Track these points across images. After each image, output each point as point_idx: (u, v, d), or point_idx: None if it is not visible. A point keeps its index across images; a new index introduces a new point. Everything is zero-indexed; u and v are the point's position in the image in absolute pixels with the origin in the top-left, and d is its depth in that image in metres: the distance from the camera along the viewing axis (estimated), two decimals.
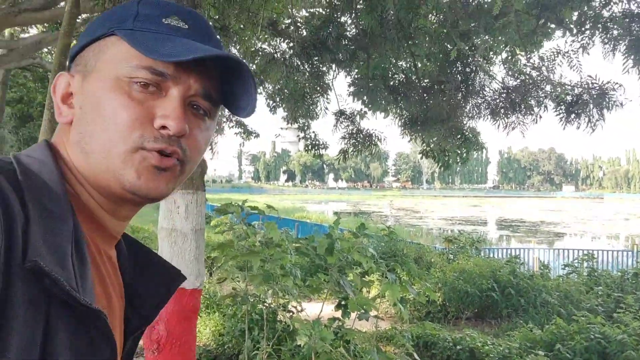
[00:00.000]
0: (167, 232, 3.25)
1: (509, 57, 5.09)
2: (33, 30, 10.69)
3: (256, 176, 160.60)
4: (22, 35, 10.11)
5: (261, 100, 8.35)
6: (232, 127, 12.31)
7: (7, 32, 9.68)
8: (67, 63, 0.81)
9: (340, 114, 6.11)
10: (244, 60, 0.89)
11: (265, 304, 5.98)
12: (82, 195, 0.75)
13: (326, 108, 6.81)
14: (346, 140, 6.04)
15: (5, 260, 0.55)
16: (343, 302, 5.25)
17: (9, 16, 7.01)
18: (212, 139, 0.86)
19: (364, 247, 5.89)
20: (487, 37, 4.89)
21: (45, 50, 9.68)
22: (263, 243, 5.70)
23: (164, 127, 0.72)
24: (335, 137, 6.42)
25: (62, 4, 7.12)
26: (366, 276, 7.38)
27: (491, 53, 5.29)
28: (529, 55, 4.69)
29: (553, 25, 4.60)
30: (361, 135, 5.94)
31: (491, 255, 14.19)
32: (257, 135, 12.60)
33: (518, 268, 10.27)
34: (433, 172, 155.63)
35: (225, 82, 0.80)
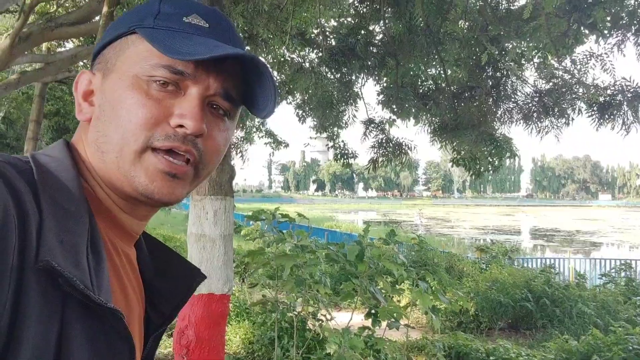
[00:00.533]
0: (196, 238, 3.29)
1: (541, 61, 4.99)
2: (69, 44, 11.02)
3: (286, 186, 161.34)
4: (58, 50, 10.42)
5: (290, 110, 8.38)
6: (262, 136, 12.43)
7: (44, 46, 9.99)
8: (91, 61, 0.82)
9: (369, 122, 6.08)
10: (269, 66, 0.89)
11: (295, 311, 5.98)
12: (100, 194, 0.74)
13: (354, 116, 6.79)
14: (375, 149, 5.99)
15: (18, 262, 0.55)
16: (373, 311, 5.21)
17: (45, 31, 7.25)
18: (233, 140, 0.86)
19: (395, 254, 5.85)
20: (517, 41, 4.81)
21: (81, 63, 9.95)
22: (295, 249, 5.72)
23: (180, 126, 0.71)
24: (364, 146, 6.39)
25: (97, 18, 7.32)
26: (397, 285, 7.33)
27: (522, 58, 5.20)
28: (561, 59, 4.59)
29: (586, 31, 4.50)
30: (391, 145, 5.89)
31: (525, 265, 13.89)
32: (287, 145, 12.67)
33: (553, 278, 10.01)
34: (464, 181, 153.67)
35: (245, 82, 0.79)
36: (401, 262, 5.32)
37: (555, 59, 4.68)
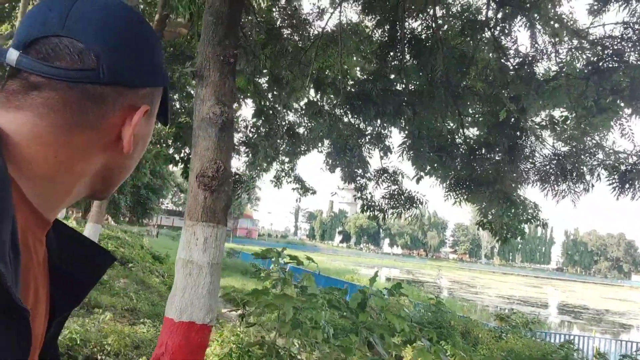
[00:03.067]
0: (183, 263, 3.25)
1: (560, 122, 4.92)
2: None
3: (311, 234, 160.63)
4: None
5: (320, 159, 8.46)
6: (290, 181, 12.48)
7: None
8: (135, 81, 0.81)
9: (382, 171, 6.04)
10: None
11: (294, 359, 5.79)
12: (28, 187, 0.72)
13: (370, 157, 6.77)
14: (386, 200, 5.92)
15: None
16: None
17: None
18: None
19: (400, 308, 5.68)
20: (537, 99, 4.76)
21: None
22: (298, 292, 5.61)
23: None
24: (378, 194, 6.31)
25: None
26: (409, 345, 7.07)
27: (542, 114, 5.13)
28: (580, 120, 4.52)
29: (609, 99, 4.43)
30: (402, 197, 5.81)
31: (547, 339, 13.30)
32: (314, 192, 12.69)
33: (572, 354, 9.53)
34: (493, 247, 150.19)
35: None
36: (405, 314, 5.14)
37: (573, 119, 4.60)
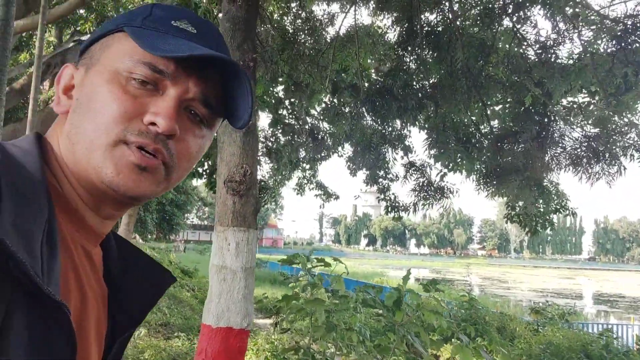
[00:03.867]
0: (217, 269, 3.24)
1: (586, 104, 4.80)
2: None
3: (337, 239, 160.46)
4: None
5: (341, 163, 8.43)
6: (313, 188, 12.48)
7: None
8: (77, 58, 0.82)
9: (409, 165, 5.98)
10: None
11: None
12: (66, 188, 0.73)
13: (394, 159, 6.72)
14: (416, 192, 5.86)
15: None
16: None
17: None
18: (205, 147, 0.84)
19: (436, 304, 5.58)
20: (563, 82, 4.64)
21: None
22: (329, 295, 5.57)
23: (153, 124, 0.70)
24: (405, 191, 6.25)
25: None
26: (447, 343, 6.96)
27: (569, 98, 5.01)
28: (609, 100, 4.39)
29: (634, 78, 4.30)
30: (432, 188, 5.74)
31: (584, 330, 13.02)
32: (337, 197, 12.68)
33: (612, 342, 9.29)
34: (522, 241, 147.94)
35: (225, 91, 0.79)
36: (442, 309, 5.05)
37: (602, 99, 4.48)
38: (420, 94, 5.35)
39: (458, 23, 4.92)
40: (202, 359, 3.04)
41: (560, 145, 5.02)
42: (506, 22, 5.50)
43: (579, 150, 4.83)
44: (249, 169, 3.40)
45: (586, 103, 5.16)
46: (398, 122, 6.46)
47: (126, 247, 0.87)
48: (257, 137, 3.72)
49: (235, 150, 3.45)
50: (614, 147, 4.59)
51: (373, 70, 7.64)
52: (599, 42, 4.20)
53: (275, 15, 7.22)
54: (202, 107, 0.75)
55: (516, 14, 5.09)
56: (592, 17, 4.60)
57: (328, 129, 9.59)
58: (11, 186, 0.59)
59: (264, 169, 11.10)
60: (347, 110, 5.92)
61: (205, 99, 0.75)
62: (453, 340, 7.20)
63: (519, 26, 5.12)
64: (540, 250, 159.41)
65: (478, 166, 5.97)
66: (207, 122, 0.78)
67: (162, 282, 0.88)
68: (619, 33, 3.80)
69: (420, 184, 5.80)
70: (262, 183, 9.56)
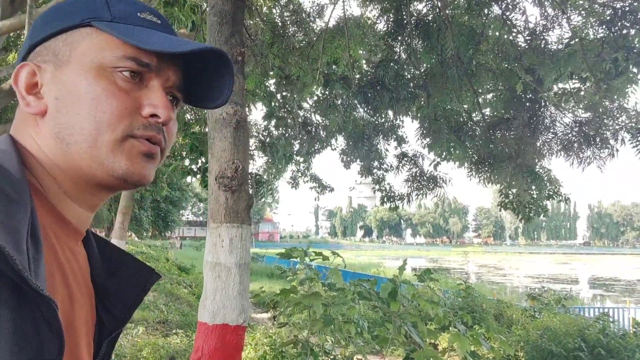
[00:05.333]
0: (211, 266, 3.23)
1: (579, 88, 4.80)
2: None
3: (333, 231, 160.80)
4: None
5: (335, 155, 8.44)
6: (307, 181, 12.46)
7: None
8: (23, 53, 0.80)
9: (402, 156, 5.97)
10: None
11: (329, 356, 5.76)
12: (47, 186, 0.74)
13: (387, 150, 6.71)
14: (409, 183, 5.85)
15: None
16: (411, 356, 4.94)
17: None
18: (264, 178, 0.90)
19: (431, 293, 5.60)
20: (553, 68, 4.64)
21: None
22: (326, 288, 5.58)
23: (152, 116, 0.74)
24: (400, 182, 6.25)
25: None
26: (444, 332, 7.00)
27: (560, 84, 5.02)
28: (599, 84, 4.40)
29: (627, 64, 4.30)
30: (425, 178, 5.74)
31: (581, 314, 13.10)
32: (332, 190, 12.66)
33: (609, 326, 9.34)
34: (516, 228, 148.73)
35: (194, 75, 0.83)
36: (438, 299, 5.07)
37: (593, 82, 4.48)
38: (411, 84, 5.34)
39: (448, 12, 4.90)
40: (199, 356, 3.04)
41: (551, 130, 5.03)
42: (495, 9, 5.51)
43: (570, 135, 4.84)
44: (241, 164, 3.39)
45: (576, 89, 5.17)
46: (390, 112, 6.47)
47: (108, 247, 0.88)
48: (248, 132, 3.69)
49: (226, 146, 3.43)
50: (604, 132, 4.60)
51: (364, 61, 7.62)
52: (588, 26, 4.19)
53: (264, 8, 7.19)
54: (178, 92, 0.81)
55: (505, 1, 5.09)
56: (581, 1, 4.60)
57: (321, 121, 9.58)
58: None
59: (258, 163, 11.08)
60: (339, 102, 5.90)
61: (180, 85, 0.81)
62: (451, 328, 7.23)
63: (507, 13, 5.11)
64: (536, 237, 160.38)
65: (470, 153, 5.97)
66: (177, 104, 0.84)
67: (146, 281, 0.88)
68: (608, 18, 3.80)
69: (413, 175, 5.79)
70: (258, 177, 9.54)
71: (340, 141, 8.74)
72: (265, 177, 10.92)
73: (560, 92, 5.25)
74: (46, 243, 0.65)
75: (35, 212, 0.64)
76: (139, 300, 0.87)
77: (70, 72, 0.73)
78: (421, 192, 5.79)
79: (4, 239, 0.54)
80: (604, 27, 3.89)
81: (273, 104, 10.07)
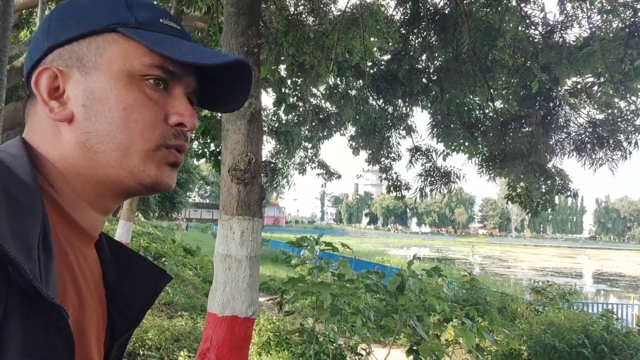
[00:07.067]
0: (221, 258, 3.25)
1: (596, 89, 4.75)
2: None
3: (338, 218, 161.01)
4: None
5: (344, 142, 8.41)
6: (314, 167, 12.48)
7: None
8: (38, 55, 0.76)
9: (415, 150, 5.95)
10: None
11: (334, 344, 5.81)
12: (60, 190, 0.73)
13: (398, 143, 6.69)
14: (423, 177, 5.84)
15: None
16: (415, 347, 4.98)
17: None
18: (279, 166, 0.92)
19: (439, 288, 5.63)
20: (570, 68, 4.59)
21: None
22: (335, 278, 5.60)
23: (180, 124, 0.75)
24: (410, 174, 6.25)
25: None
26: (447, 324, 7.02)
27: (576, 84, 4.95)
28: (617, 86, 4.34)
29: None
30: (439, 173, 5.72)
31: (585, 310, 13.10)
32: (339, 177, 12.68)
33: (613, 323, 9.33)
34: (522, 220, 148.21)
35: (222, 80, 0.84)
36: (445, 295, 5.09)
37: (610, 86, 4.43)
38: (425, 78, 5.30)
39: (465, 6, 4.84)
40: (208, 347, 3.08)
41: (565, 130, 4.99)
42: (513, 2, 5.43)
43: (583, 135, 4.80)
44: (254, 157, 3.39)
45: (590, 83, 5.10)
46: (401, 102, 6.41)
47: (119, 248, 0.88)
48: (262, 125, 3.69)
49: (239, 138, 3.43)
50: (618, 134, 4.56)
51: (376, 49, 7.55)
52: (609, 27, 4.13)
53: None
54: (194, 98, 0.82)
55: None
56: (599, 2, 4.53)
57: (332, 108, 9.54)
58: (4, 192, 0.59)
59: (266, 148, 11.08)
60: (353, 93, 5.86)
61: (197, 91, 0.82)
62: (456, 321, 7.25)
63: (526, 9, 5.05)
64: (541, 229, 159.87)
65: (481, 149, 5.94)
66: (193, 107, 0.84)
67: (157, 282, 0.88)
68: (630, 18, 3.74)
69: (427, 169, 5.77)
70: (273, 165, 9.56)
71: (350, 128, 8.73)
72: (279, 164, 10.95)
73: (573, 87, 5.18)
74: (57, 248, 0.66)
75: (47, 218, 0.64)
76: (151, 302, 0.88)
77: (98, 80, 0.72)
78: (435, 186, 5.77)
79: (15, 248, 0.55)
80: (626, 29, 3.83)
81: (284, 90, 10.04)
